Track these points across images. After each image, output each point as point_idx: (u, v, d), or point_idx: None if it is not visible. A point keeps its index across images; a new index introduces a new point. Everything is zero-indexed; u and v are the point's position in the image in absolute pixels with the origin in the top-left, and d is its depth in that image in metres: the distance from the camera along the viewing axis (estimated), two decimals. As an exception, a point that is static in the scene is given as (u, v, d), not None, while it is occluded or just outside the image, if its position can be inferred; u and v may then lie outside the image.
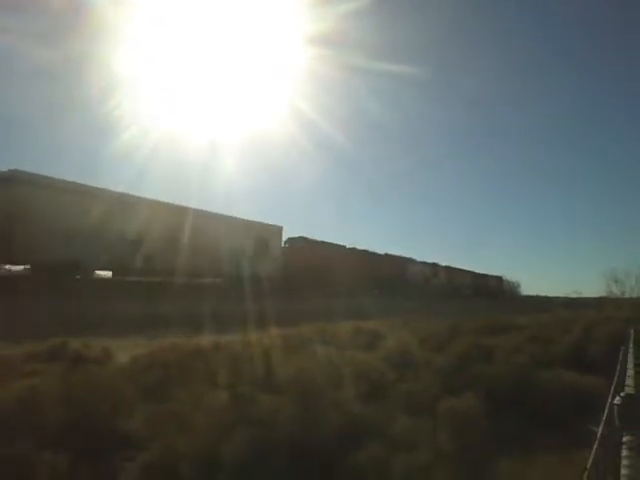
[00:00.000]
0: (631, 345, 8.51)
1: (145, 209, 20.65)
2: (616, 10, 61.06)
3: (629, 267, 46.30)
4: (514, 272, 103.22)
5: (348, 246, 35.32)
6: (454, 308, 29.84)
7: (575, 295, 59.78)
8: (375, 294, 32.27)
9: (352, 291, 31.02)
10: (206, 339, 9.44)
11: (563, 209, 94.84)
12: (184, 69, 35.56)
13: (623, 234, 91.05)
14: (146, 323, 13.63)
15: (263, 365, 6.74)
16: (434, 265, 47.77)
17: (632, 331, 11.52)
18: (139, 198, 21.48)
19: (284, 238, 30.72)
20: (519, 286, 69.77)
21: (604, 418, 3.08)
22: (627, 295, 39.96)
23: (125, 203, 20.28)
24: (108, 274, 21.52)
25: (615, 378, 5.06)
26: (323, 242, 32.30)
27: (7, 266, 18.76)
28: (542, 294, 70.16)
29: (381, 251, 39.56)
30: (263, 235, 27.72)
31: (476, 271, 57.48)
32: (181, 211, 22.58)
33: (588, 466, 2.21)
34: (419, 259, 45.45)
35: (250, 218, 28.24)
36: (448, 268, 50.40)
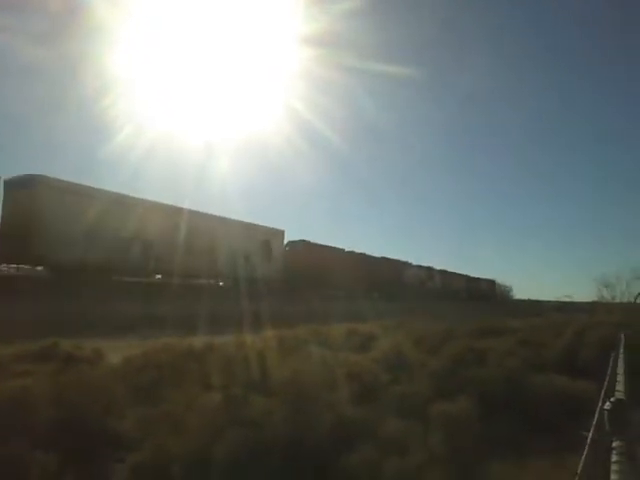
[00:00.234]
0: (621, 350, 8.60)
1: (157, 213, 21.45)
2: (613, 7, 61.88)
3: (620, 272, 46.86)
4: (506, 276, 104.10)
5: (346, 249, 35.93)
6: (448, 311, 30.35)
7: (566, 299, 60.51)
8: (372, 297, 32.97)
9: (350, 294, 32.44)
10: (202, 340, 9.41)
11: (555, 213, 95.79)
12: (179, 70, 35.48)
13: (614, 239, 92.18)
14: (151, 323, 13.75)
15: (257, 366, 6.73)
16: (429, 269, 48.54)
17: (622, 336, 11.63)
18: (152, 202, 22.13)
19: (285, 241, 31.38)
20: (511, 290, 70.63)
21: (594, 423, 3.11)
22: (618, 300, 40.42)
23: (139, 207, 20.93)
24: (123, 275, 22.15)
25: (605, 383, 5.11)
26: (323, 245, 32.90)
27: (26, 266, 19.34)
28: (534, 298, 70.95)
29: (375, 253, 40.12)
30: (266, 238, 28.40)
31: (470, 275, 58.41)
32: (191, 215, 23.24)
33: (579, 471, 2.23)
34: (414, 262, 46.14)
35: (245, 220, 28.51)
36: (443, 272, 51.21)
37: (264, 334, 9.77)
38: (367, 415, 5.21)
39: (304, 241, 31.59)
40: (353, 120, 73.11)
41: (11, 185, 17.37)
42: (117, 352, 8.34)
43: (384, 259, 40.29)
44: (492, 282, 65.16)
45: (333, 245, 34.74)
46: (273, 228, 30.11)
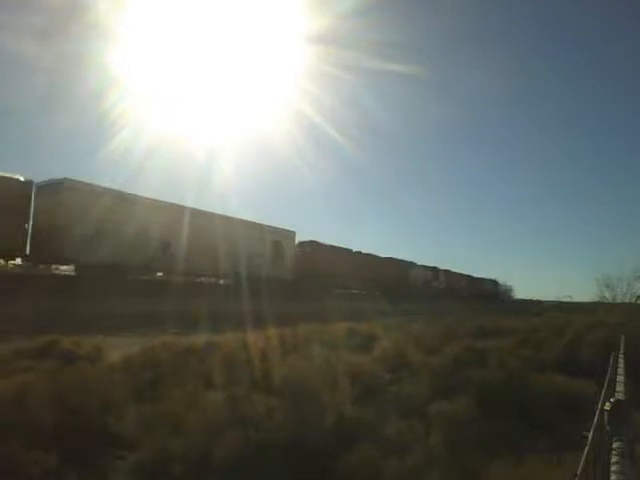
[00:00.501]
0: (622, 350, 8.59)
1: (177, 214, 22.33)
2: (614, 11, 61.61)
3: (621, 272, 46.75)
4: (507, 275, 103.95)
5: (354, 250, 36.48)
6: (452, 310, 31.04)
7: (567, 299, 60.61)
8: (378, 296, 33.42)
9: (358, 293, 33.86)
10: (206, 337, 9.47)
11: (556, 213, 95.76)
12: (184, 69, 35.44)
13: (616, 239, 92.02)
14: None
15: (259, 365, 6.74)
16: (434, 269, 49.22)
17: (623, 336, 11.62)
18: (172, 204, 22.97)
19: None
20: (512, 289, 70.86)
21: (594, 424, 3.11)
22: (619, 300, 40.31)
23: (159, 208, 21.73)
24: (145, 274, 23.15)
25: (605, 383, 5.10)
26: (332, 246, 33.64)
27: (55, 266, 20.51)
28: (534, 298, 71.10)
29: (378, 253, 40.36)
30: (278, 239, 29.23)
31: (473, 275, 59.33)
32: (209, 216, 24.30)
33: (578, 472, 2.22)
34: (419, 262, 46.62)
35: (254, 220, 29.05)
36: (447, 272, 51.94)
37: (268, 332, 9.85)
38: (368, 415, 5.21)
39: (314, 242, 32.18)
40: (358, 119, 73.20)
41: (42, 189, 18.23)
42: (122, 348, 8.36)
43: (390, 259, 40.82)
44: (494, 282, 65.86)
45: (339, 245, 35.32)
46: (285, 229, 30.70)
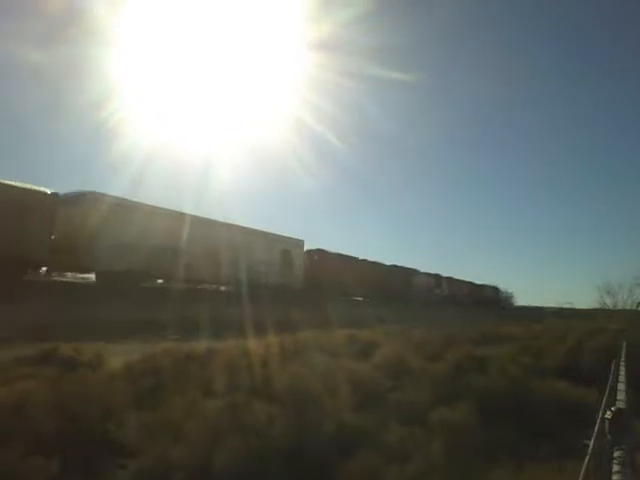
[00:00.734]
0: (623, 358, 8.57)
1: (193, 224, 22.94)
2: (613, 12, 62.10)
3: (622, 279, 46.68)
4: (507, 282, 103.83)
5: (360, 258, 37.17)
6: (455, 316, 32.07)
7: (568, 306, 60.52)
8: (382, 303, 34.40)
9: (363, 300, 34.83)
10: (206, 343, 9.51)
11: (557, 220, 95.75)
12: (183, 77, 35.67)
13: (617, 246, 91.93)
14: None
15: (260, 372, 6.73)
16: (437, 276, 49.64)
17: (624, 343, 11.60)
18: (188, 215, 23.60)
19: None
20: (512, 296, 70.86)
21: (595, 432, 3.11)
22: (620, 307, 40.19)
23: (176, 219, 22.54)
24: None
25: (607, 391, 5.09)
26: (338, 254, 34.51)
27: (73, 274, 21.57)
28: (535, 304, 71.06)
29: (382, 260, 40.99)
30: (287, 248, 30.01)
31: (475, 282, 60.10)
32: (222, 226, 25.06)
33: (579, 481, 2.23)
34: (421, 269, 47.12)
35: (258, 229, 29.63)
36: (449, 279, 52.34)
37: (272, 339, 9.93)
38: (368, 422, 5.20)
39: (321, 250, 33.04)
40: (359, 126, 73.46)
41: (65, 201, 18.98)
42: (124, 355, 8.35)
43: (394, 267, 41.47)
44: (496, 289, 66.35)
45: (345, 253, 36.11)
46: (294, 238, 31.42)
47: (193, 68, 34.86)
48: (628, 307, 38.83)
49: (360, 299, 36.22)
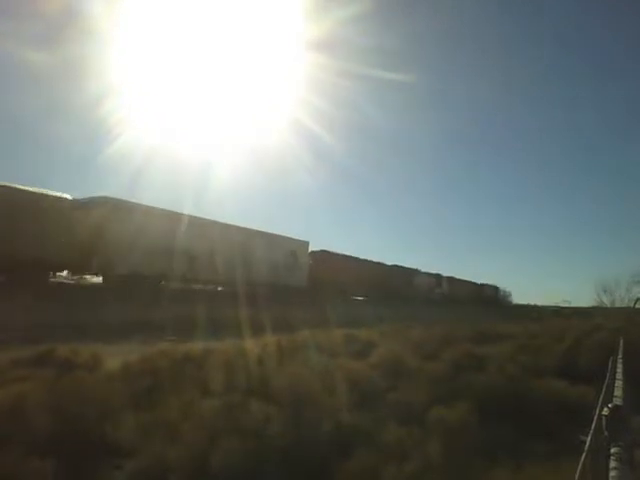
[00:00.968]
0: (620, 355, 8.59)
1: (204, 227, 23.80)
2: (613, 12, 62.27)
3: (619, 277, 46.88)
4: (505, 281, 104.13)
5: (362, 258, 37.94)
6: (455, 316, 32.35)
7: (565, 304, 60.82)
8: (384, 302, 34.92)
9: (365, 300, 36.00)
10: (212, 344, 9.55)
11: (554, 219, 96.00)
12: (181, 77, 35.62)
13: (614, 244, 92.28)
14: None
15: (258, 372, 6.72)
16: (437, 276, 50.45)
17: (621, 341, 11.63)
18: (199, 218, 24.26)
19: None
20: (510, 295, 71.26)
21: (592, 429, 3.11)
22: (617, 305, 40.36)
23: (188, 222, 23.06)
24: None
25: (604, 388, 5.09)
26: (342, 255, 35.48)
27: (88, 276, 22.51)
28: (533, 303, 71.45)
29: (382, 260, 41.63)
30: (293, 249, 30.94)
31: (474, 281, 60.95)
32: (232, 229, 26.09)
33: (576, 478, 2.22)
34: (415, 267, 47.54)
35: (265, 231, 30.39)
36: (450, 278, 53.08)
37: (276, 338, 10.06)
38: (366, 422, 5.19)
39: (325, 251, 33.96)
40: (358, 126, 73.53)
41: (81, 205, 19.78)
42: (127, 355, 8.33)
43: (396, 267, 42.23)
44: (495, 288, 67.04)
45: (347, 254, 36.93)
46: (299, 239, 32.34)
47: (191, 68, 34.84)
48: (625, 305, 39.00)
49: (360, 299, 36.92)
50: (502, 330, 17.99)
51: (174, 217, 22.69)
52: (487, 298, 61.89)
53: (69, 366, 7.41)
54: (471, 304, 51.90)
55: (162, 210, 22.57)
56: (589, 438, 2.86)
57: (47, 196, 18.46)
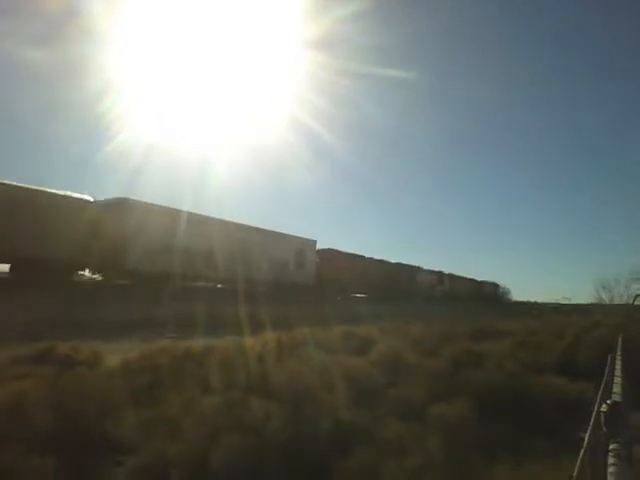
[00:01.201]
0: (619, 352, 8.61)
1: (219, 227, 24.60)
2: (612, 13, 62.05)
3: (618, 274, 46.96)
4: (504, 277, 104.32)
5: (367, 256, 38.96)
6: (456, 313, 33.09)
7: (565, 301, 61.06)
8: (389, 299, 36.23)
9: (369, 297, 37.08)
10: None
11: (554, 216, 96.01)
12: (180, 75, 35.48)
13: (613, 241, 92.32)
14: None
15: (259, 369, 6.74)
16: (439, 273, 51.36)
17: (620, 338, 11.65)
18: (214, 219, 25.13)
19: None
20: (510, 292, 71.61)
21: (591, 425, 3.12)
22: (616, 301, 40.44)
23: (203, 223, 24.10)
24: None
25: (602, 385, 5.11)
26: (347, 253, 36.47)
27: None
28: (532, 300, 71.73)
29: (376, 255, 41.76)
30: (302, 247, 31.92)
31: (475, 278, 61.57)
32: (246, 229, 27.14)
33: (574, 474, 2.23)
34: (414, 264, 48.17)
35: (276, 231, 31.21)
36: (451, 276, 53.98)
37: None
38: (366, 418, 5.20)
39: (331, 249, 34.89)
40: (357, 124, 73.34)
41: (104, 207, 20.43)
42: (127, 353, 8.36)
43: (399, 264, 43.28)
44: (495, 285, 67.67)
45: (352, 252, 37.78)
46: (307, 238, 33.22)
47: (190, 66, 34.69)
48: (624, 302, 39.07)
49: (364, 296, 37.84)
50: (502, 327, 18.01)
51: (191, 218, 23.38)
52: (487, 295, 62.66)
53: (69, 363, 7.43)
54: (471, 301, 52.85)
55: (180, 211, 23.24)
56: (587, 434, 2.87)
57: (67, 197, 19.05)
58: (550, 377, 8.01)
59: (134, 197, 21.74)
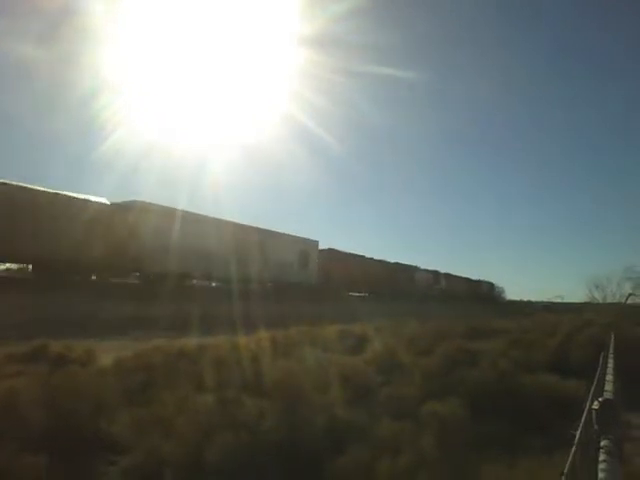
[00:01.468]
0: (611, 350, 8.69)
1: (226, 228, 25.39)
2: (612, 13, 62.36)
3: (611, 272, 47.42)
4: (497, 276, 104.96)
5: (367, 256, 39.98)
6: (454, 312, 34.20)
7: (558, 300, 61.68)
8: (388, 298, 37.66)
9: (367, 295, 38.26)
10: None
11: (546, 215, 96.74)
12: (175, 72, 35.23)
13: (605, 240, 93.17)
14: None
15: (253, 368, 6.73)
16: (436, 272, 52.55)
17: (612, 336, 11.77)
18: (219, 220, 25.82)
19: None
20: (504, 291, 72.34)
21: (582, 422, 3.15)
22: (608, 300, 40.83)
23: (209, 224, 24.73)
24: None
25: (594, 382, 5.16)
26: (348, 253, 37.67)
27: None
28: (525, 299, 72.47)
29: (374, 255, 42.58)
30: (304, 248, 32.86)
31: (471, 278, 62.99)
32: (252, 230, 28.04)
33: (565, 470, 2.25)
34: (420, 266, 50.07)
35: (280, 232, 32.15)
36: (447, 275, 55.23)
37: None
38: (360, 416, 5.22)
39: (332, 249, 35.84)
40: (354, 124, 73.34)
41: (116, 209, 21.29)
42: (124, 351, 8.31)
43: (397, 264, 44.39)
44: (490, 284, 68.48)
45: (352, 252, 38.81)
46: (310, 239, 34.12)
47: (186, 65, 34.49)
48: (617, 301, 39.46)
49: (362, 295, 38.92)
50: (496, 325, 18.14)
51: (200, 219, 24.40)
52: (482, 294, 63.36)
53: (62, 362, 7.38)
54: (467, 300, 53.34)
55: (188, 213, 24.00)
56: (579, 431, 2.89)
57: (87, 201, 20.11)
58: (543, 375, 8.07)
59: (147, 200, 22.75)
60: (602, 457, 2.38)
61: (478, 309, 42.77)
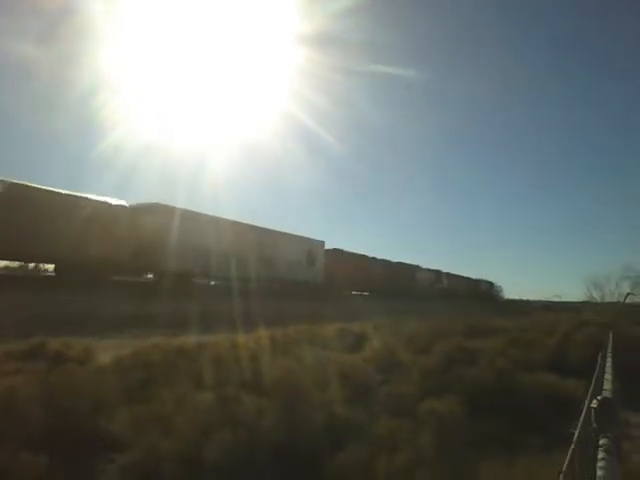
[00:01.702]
0: (609, 350, 8.71)
1: (237, 229, 26.25)
2: (612, 13, 62.33)
3: (609, 272, 47.48)
4: (496, 275, 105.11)
5: (370, 256, 40.76)
6: (454, 310, 34.63)
7: (556, 299, 61.95)
8: (391, 297, 37.87)
9: (370, 295, 39.13)
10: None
11: (545, 214, 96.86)
12: (174, 71, 35.14)
13: (604, 239, 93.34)
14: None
15: (253, 366, 6.73)
16: (437, 272, 53.42)
17: (610, 335, 11.79)
18: (232, 222, 26.58)
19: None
20: (502, 290, 72.71)
21: (581, 421, 3.15)
22: (607, 299, 40.87)
23: (221, 225, 25.35)
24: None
25: (593, 381, 5.17)
26: (352, 253, 38.53)
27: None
28: (524, 298, 72.78)
29: (373, 254, 42.88)
30: (311, 248, 33.76)
31: (471, 277, 64.00)
32: (261, 231, 28.90)
33: (564, 469, 2.25)
34: (422, 265, 50.64)
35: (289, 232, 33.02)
36: (448, 274, 56.08)
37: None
38: (359, 414, 5.22)
39: (337, 249, 36.68)
40: (354, 123, 73.24)
41: (137, 211, 22.08)
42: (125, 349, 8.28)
43: (400, 263, 45.20)
44: (490, 283, 69.17)
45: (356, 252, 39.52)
46: (316, 239, 34.94)
47: (185, 64, 34.39)
48: (615, 300, 39.52)
49: (365, 294, 39.65)
50: (495, 324, 18.17)
51: (214, 221, 25.05)
52: (482, 293, 63.93)
53: (61, 359, 7.37)
54: (467, 299, 53.74)
55: (204, 215, 24.74)
56: (577, 430, 2.90)
57: (107, 203, 20.81)
58: (541, 374, 8.09)
59: (165, 202, 23.50)
60: (601, 455, 2.39)
61: (477, 308, 43.30)
